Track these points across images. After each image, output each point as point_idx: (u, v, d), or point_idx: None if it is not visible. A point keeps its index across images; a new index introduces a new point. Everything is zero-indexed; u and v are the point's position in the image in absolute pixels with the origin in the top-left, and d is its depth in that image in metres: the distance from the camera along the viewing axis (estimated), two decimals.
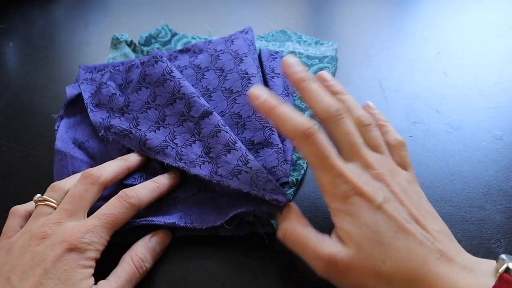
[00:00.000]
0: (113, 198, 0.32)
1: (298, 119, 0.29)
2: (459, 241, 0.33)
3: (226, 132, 0.36)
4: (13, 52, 0.57)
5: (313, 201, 0.37)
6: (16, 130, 0.44)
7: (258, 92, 0.31)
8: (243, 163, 0.34)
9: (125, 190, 0.32)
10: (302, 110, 0.44)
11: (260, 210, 0.33)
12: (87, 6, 0.65)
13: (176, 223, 0.34)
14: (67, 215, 0.30)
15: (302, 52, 0.52)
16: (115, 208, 0.31)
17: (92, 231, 0.29)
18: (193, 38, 0.55)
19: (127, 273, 0.30)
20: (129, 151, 0.38)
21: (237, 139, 0.36)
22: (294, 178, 0.38)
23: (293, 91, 0.45)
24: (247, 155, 0.34)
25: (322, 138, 0.29)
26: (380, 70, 0.50)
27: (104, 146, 0.40)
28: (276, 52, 0.47)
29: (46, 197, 0.32)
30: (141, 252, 0.32)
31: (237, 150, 0.35)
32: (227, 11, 0.62)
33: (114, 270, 0.30)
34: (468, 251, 0.32)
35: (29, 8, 0.64)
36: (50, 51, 0.56)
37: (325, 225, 0.35)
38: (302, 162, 0.39)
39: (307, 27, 0.59)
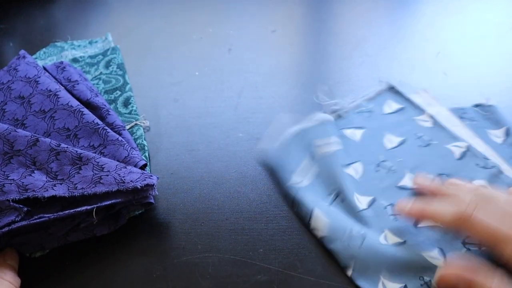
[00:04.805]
0: None
1: (449, 210, 0.30)
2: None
3: (65, 152, 0.36)
4: (13, 52, 0.57)
5: None
6: None
7: (403, 203, 0.33)
8: (98, 170, 0.35)
9: None
10: (121, 114, 0.45)
11: (138, 197, 0.34)
12: (87, 6, 0.65)
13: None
14: None
15: (83, 55, 0.53)
16: None
17: None
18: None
19: None
20: None
21: (80, 151, 0.36)
22: (143, 156, 0.40)
23: (97, 91, 0.45)
24: (99, 161, 0.35)
25: (478, 216, 0.29)
26: (380, 70, 0.50)
27: None
28: (61, 62, 0.47)
29: None
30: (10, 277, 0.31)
31: (87, 164, 0.35)
32: (227, 7, 0.62)
33: None
34: None
35: (29, 8, 0.64)
36: None
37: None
38: (141, 141, 0.42)
39: (306, 27, 0.59)
